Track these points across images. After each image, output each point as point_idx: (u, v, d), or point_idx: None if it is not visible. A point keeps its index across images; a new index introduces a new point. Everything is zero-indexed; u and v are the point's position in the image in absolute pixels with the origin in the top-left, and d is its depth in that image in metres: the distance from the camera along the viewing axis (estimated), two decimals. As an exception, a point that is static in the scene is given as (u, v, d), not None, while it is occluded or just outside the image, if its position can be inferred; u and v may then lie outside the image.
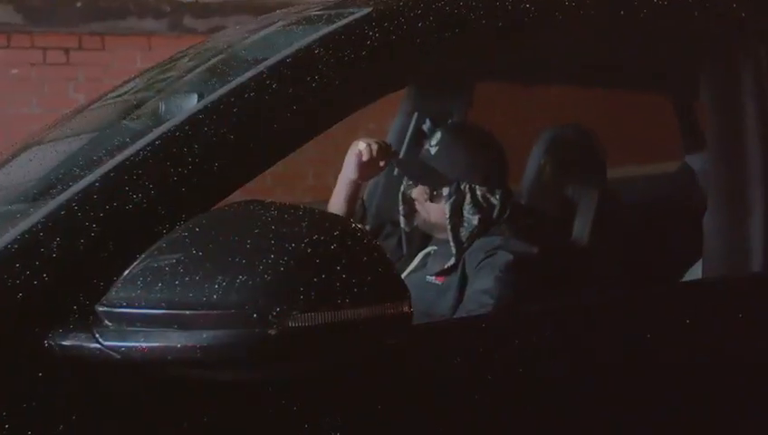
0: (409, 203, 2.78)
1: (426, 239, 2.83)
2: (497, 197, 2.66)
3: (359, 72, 1.59)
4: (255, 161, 1.50)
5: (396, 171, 2.87)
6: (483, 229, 2.65)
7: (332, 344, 1.20)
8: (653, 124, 3.96)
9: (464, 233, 2.65)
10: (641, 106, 3.85)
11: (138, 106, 1.80)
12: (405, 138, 3.22)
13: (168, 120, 1.50)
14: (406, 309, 1.22)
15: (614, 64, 2.92)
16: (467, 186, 2.65)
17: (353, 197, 2.81)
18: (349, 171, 2.76)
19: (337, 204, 2.82)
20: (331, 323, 1.17)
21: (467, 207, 2.65)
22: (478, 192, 2.66)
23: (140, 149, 1.44)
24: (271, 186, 6.26)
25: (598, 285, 2.73)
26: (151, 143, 1.44)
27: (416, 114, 3.20)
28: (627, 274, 2.81)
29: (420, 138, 3.19)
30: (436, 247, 2.77)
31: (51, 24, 5.89)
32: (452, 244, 2.66)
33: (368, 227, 3.19)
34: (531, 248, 2.60)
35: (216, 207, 1.42)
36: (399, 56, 1.65)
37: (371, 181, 3.30)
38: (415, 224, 2.80)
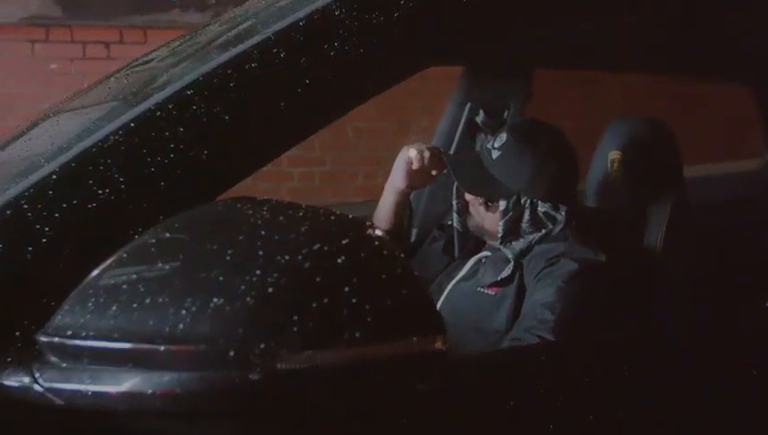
0: (464, 200, 2.47)
1: (479, 243, 2.51)
2: (562, 213, 2.34)
3: (389, 39, 1.27)
4: (258, 149, 1.19)
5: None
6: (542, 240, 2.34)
7: (337, 393, 0.88)
8: (732, 117, 3.60)
9: (519, 247, 2.33)
10: (719, 97, 3.50)
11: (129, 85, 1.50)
12: (456, 132, 2.90)
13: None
14: (440, 346, 0.89)
15: (690, 50, 2.58)
16: (528, 201, 2.34)
17: (401, 206, 2.53)
18: (397, 179, 2.49)
19: (383, 213, 2.55)
20: (336, 365, 0.85)
21: (525, 225, 2.34)
22: (540, 209, 2.35)
23: (111, 133, 1.14)
24: (319, 186, 6.04)
25: (673, 299, 2.40)
26: (124, 126, 1.14)
27: (468, 105, 2.88)
28: (705, 284, 2.47)
29: (473, 132, 2.88)
30: (489, 254, 2.46)
31: (91, 17, 5.66)
32: (508, 255, 2.34)
33: (414, 231, 2.91)
34: (598, 256, 2.28)
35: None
36: (443, 20, 1.33)
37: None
38: (468, 225, 2.49)
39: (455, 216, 2.52)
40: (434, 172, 2.47)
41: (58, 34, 5.65)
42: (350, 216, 0.93)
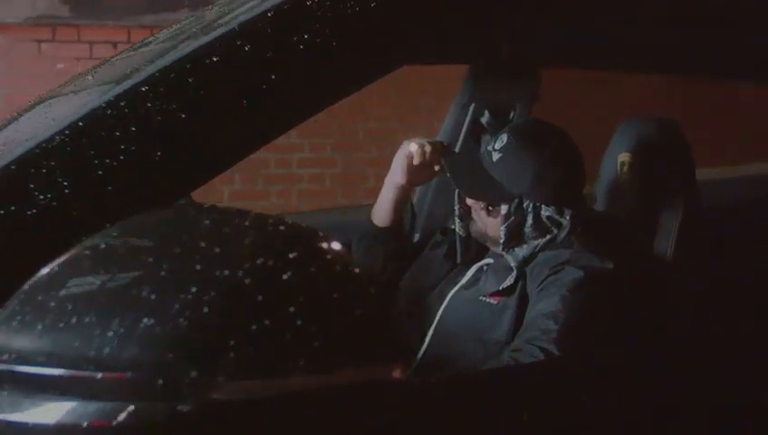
0: (466, 205, 2.36)
1: (483, 249, 2.40)
2: (567, 218, 2.23)
3: (366, 31, 1.17)
4: (218, 151, 1.08)
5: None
6: (546, 247, 2.23)
7: (278, 429, 0.77)
8: (748, 119, 3.49)
9: (523, 254, 2.22)
10: (733, 98, 3.38)
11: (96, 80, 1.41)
12: (460, 134, 2.80)
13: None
14: (398, 374, 0.78)
15: (706, 49, 2.46)
16: (531, 205, 2.23)
17: (400, 203, 2.45)
18: (396, 174, 2.40)
19: (382, 209, 2.46)
20: (277, 396, 0.75)
21: (528, 231, 2.23)
22: (543, 213, 2.24)
23: (56, 133, 1.04)
24: (330, 188, 5.95)
25: (685, 309, 2.29)
26: (71, 125, 1.05)
27: (473, 106, 2.77)
28: (719, 293, 2.36)
29: (477, 133, 2.78)
30: (492, 261, 2.35)
31: (98, 16, 5.59)
32: (510, 263, 2.23)
33: (417, 235, 2.81)
34: (605, 263, 2.17)
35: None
36: (429, 10, 1.22)
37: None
38: (471, 231, 2.38)
39: (457, 221, 2.42)
40: (436, 168, 2.37)
41: (65, 34, 5.59)
42: (303, 225, 0.82)
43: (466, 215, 2.39)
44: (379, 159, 5.83)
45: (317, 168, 5.87)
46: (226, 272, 0.77)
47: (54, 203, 1.00)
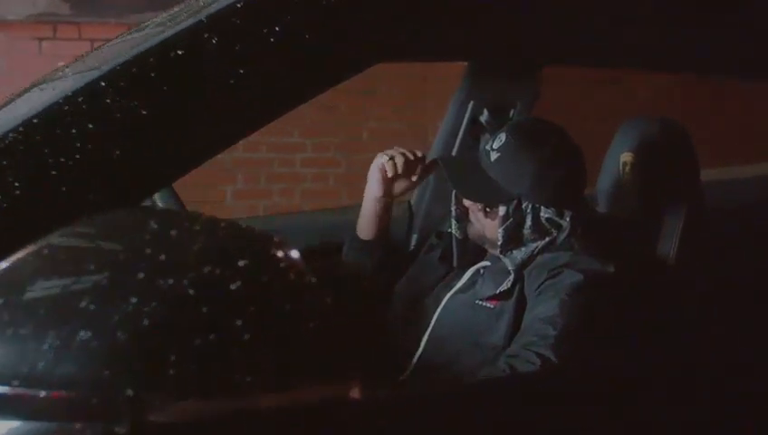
0: (463, 206, 2.30)
1: (480, 252, 2.34)
2: (567, 219, 2.16)
3: (342, 24, 1.10)
4: (181, 151, 1.02)
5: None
6: (544, 249, 2.16)
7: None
8: (753, 118, 3.42)
9: (521, 256, 2.16)
10: (738, 96, 3.31)
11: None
12: (458, 133, 2.73)
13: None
14: (353, 394, 0.71)
15: (713, 46, 2.39)
16: (530, 206, 2.16)
17: (382, 216, 2.38)
18: (373, 187, 2.34)
19: (364, 222, 2.41)
20: (221, 417, 0.68)
21: (527, 233, 2.17)
22: (543, 215, 2.17)
23: (10, 130, 0.98)
24: (333, 187, 5.89)
25: (689, 313, 2.22)
26: (26, 122, 0.98)
27: (471, 104, 2.70)
28: (724, 297, 2.29)
29: (476, 132, 2.71)
30: (489, 264, 2.28)
31: (99, 13, 5.53)
32: (508, 266, 2.16)
33: (414, 236, 2.75)
34: (605, 266, 2.10)
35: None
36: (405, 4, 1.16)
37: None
38: (468, 233, 2.32)
39: (453, 223, 2.35)
40: (414, 178, 2.32)
41: (65, 32, 5.53)
42: (258, 230, 0.76)
43: (464, 216, 2.32)
44: (383, 158, 5.80)
45: (321, 167, 5.81)
46: (171, 281, 0.71)
47: (4, 204, 0.94)
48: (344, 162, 5.87)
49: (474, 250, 2.35)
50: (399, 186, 2.34)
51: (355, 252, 2.42)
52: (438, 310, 2.29)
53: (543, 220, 2.17)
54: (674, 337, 2.20)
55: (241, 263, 0.71)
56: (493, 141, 2.22)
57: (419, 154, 2.33)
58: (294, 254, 0.74)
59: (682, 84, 4.90)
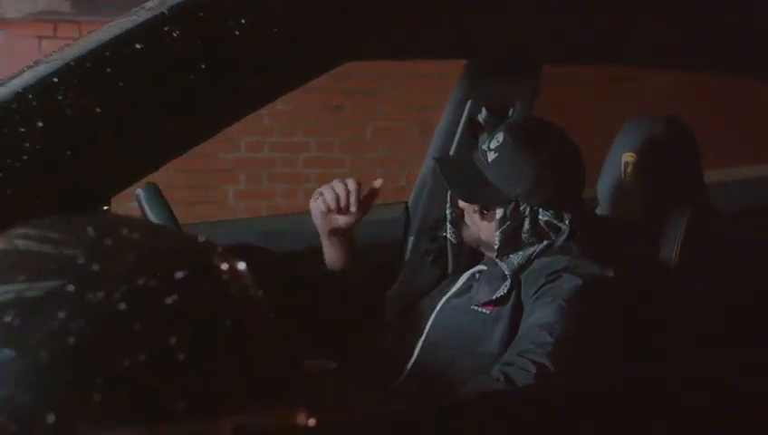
0: (459, 208, 2.23)
1: (476, 256, 2.27)
2: (566, 222, 2.10)
3: (311, 18, 1.04)
4: (138, 152, 0.95)
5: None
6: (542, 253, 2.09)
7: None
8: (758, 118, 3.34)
9: (517, 261, 2.09)
10: (744, 96, 3.23)
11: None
12: (456, 132, 2.66)
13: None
14: (301, 420, 0.64)
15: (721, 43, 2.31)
16: (528, 208, 2.09)
17: (337, 247, 2.28)
18: (317, 226, 2.25)
19: (328, 257, 2.31)
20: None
21: (525, 236, 2.10)
22: (542, 217, 2.10)
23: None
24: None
25: (693, 320, 2.16)
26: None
27: (469, 103, 2.63)
28: (729, 303, 2.22)
29: (474, 131, 2.64)
30: (485, 268, 2.21)
31: (100, 12, 5.45)
32: (504, 271, 2.09)
33: (411, 239, 2.69)
34: (605, 270, 2.03)
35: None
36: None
37: (418, 181, 2.78)
38: (463, 236, 2.25)
39: (448, 226, 2.28)
40: (352, 210, 2.20)
41: (66, 30, 5.47)
42: (202, 238, 0.69)
43: (459, 220, 2.25)
44: (387, 158, 5.73)
45: (324, 167, 5.73)
46: (102, 294, 0.64)
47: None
48: (348, 162, 5.81)
49: (469, 254, 2.28)
50: (343, 220, 2.22)
51: (326, 284, 2.32)
52: (433, 315, 2.23)
53: (542, 223, 2.10)
54: (676, 342, 2.13)
55: (178, 274, 0.64)
56: (490, 141, 2.15)
57: (353, 186, 2.20)
58: (240, 265, 0.67)
59: (688, 83, 4.84)
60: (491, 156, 2.12)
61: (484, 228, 2.16)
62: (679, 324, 2.20)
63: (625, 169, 2.39)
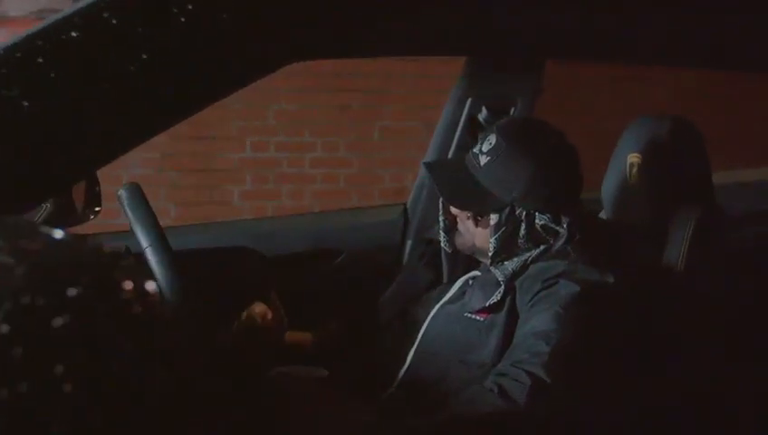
0: (452, 215, 2.13)
1: (471, 262, 2.18)
2: (564, 226, 2.00)
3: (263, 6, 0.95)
4: (72, 150, 0.87)
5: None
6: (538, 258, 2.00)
7: None
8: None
9: (512, 267, 2.00)
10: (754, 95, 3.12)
11: None
12: (455, 132, 2.57)
13: None
14: None
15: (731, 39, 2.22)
16: (524, 212, 2.00)
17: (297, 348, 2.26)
18: None
19: None
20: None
21: (521, 241, 2.01)
22: (538, 221, 2.01)
23: None
24: (344, 188, 5.73)
25: (699, 329, 2.06)
26: None
27: (469, 101, 2.54)
28: (737, 310, 2.13)
29: (474, 131, 2.55)
30: (479, 274, 2.13)
31: (103, 10, 5.42)
32: (498, 277, 2.00)
33: (409, 243, 2.61)
34: (604, 276, 1.94)
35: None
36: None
37: (417, 182, 2.73)
38: (456, 244, 2.17)
39: (441, 235, 2.19)
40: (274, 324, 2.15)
41: (68, 28, 5.41)
42: (107, 249, 0.60)
43: (452, 227, 2.16)
44: (395, 159, 5.63)
45: (330, 168, 5.65)
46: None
47: None
48: (356, 162, 5.71)
49: (465, 261, 2.20)
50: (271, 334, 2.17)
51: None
52: (426, 322, 2.14)
53: (539, 227, 2.01)
54: (679, 354, 2.04)
55: (71, 292, 0.55)
56: (482, 144, 2.05)
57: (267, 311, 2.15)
58: (149, 284, 0.58)
59: (705, 83, 4.74)
60: (483, 159, 2.03)
61: (478, 235, 2.07)
62: (686, 333, 2.10)
63: (630, 171, 2.30)
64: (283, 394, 1.80)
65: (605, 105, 5.08)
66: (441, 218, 2.18)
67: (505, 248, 2.01)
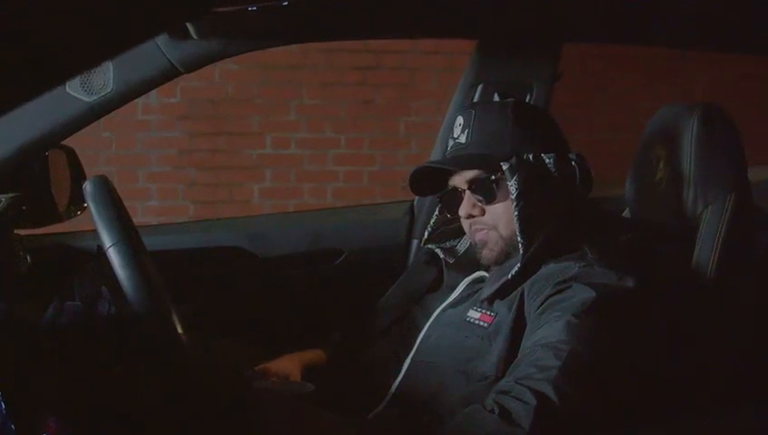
0: (453, 221, 2.04)
1: (471, 266, 2.01)
2: (573, 162, 1.90)
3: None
4: None
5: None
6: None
7: None
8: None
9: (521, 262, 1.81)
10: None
11: None
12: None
13: None
14: None
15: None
16: (530, 156, 1.89)
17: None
18: None
19: None
20: None
21: (546, 186, 1.88)
22: (548, 162, 1.88)
23: None
24: (368, 186, 5.53)
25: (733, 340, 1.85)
26: None
27: (481, 86, 2.35)
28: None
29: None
30: (485, 274, 1.93)
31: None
32: (520, 246, 1.82)
33: (414, 242, 2.46)
34: (623, 281, 1.74)
35: None
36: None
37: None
38: (460, 254, 2.09)
39: (438, 251, 2.12)
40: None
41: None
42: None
43: (450, 234, 2.11)
44: (420, 155, 5.42)
45: (354, 165, 5.47)
46: None
47: None
48: (380, 159, 5.52)
49: (465, 265, 2.02)
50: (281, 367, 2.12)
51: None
52: (426, 326, 1.98)
53: (552, 166, 1.88)
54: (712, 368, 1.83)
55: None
56: (453, 131, 1.99)
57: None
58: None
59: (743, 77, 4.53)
60: (463, 137, 1.96)
61: (500, 218, 1.87)
62: (719, 343, 1.89)
63: (656, 164, 2.07)
64: (260, 413, 1.61)
65: (640, 100, 4.89)
66: (431, 226, 2.12)
67: (535, 212, 1.83)
